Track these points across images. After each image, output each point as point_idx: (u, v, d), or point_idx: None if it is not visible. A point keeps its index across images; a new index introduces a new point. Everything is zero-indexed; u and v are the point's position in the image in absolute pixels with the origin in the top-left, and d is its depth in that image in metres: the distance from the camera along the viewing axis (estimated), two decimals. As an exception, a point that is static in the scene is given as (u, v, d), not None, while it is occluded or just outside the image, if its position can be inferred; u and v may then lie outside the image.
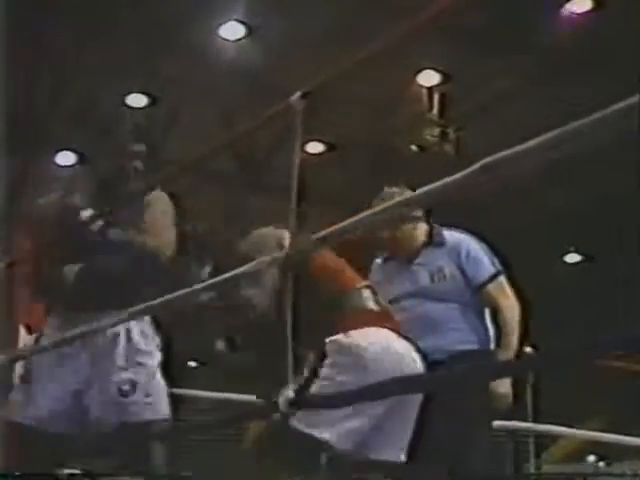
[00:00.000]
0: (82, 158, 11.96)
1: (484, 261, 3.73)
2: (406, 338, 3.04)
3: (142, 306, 2.62)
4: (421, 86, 10.72)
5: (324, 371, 2.90)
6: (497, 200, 9.85)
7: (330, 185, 11.54)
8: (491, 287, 3.68)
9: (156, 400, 3.30)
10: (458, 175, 1.53)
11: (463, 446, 3.47)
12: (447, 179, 1.57)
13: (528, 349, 5.24)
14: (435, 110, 10.79)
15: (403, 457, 2.99)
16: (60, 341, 3.00)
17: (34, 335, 3.51)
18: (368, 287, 3.11)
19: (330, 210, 11.16)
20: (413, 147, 11.02)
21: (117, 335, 3.32)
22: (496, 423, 4.28)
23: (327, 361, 2.91)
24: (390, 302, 3.49)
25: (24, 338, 3.60)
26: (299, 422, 2.80)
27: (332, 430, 2.80)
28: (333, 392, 2.87)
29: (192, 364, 15.23)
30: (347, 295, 3.01)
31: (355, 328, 2.93)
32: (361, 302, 3.01)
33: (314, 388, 2.85)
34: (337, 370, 2.87)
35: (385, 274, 3.79)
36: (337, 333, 2.93)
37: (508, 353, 3.51)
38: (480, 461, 3.52)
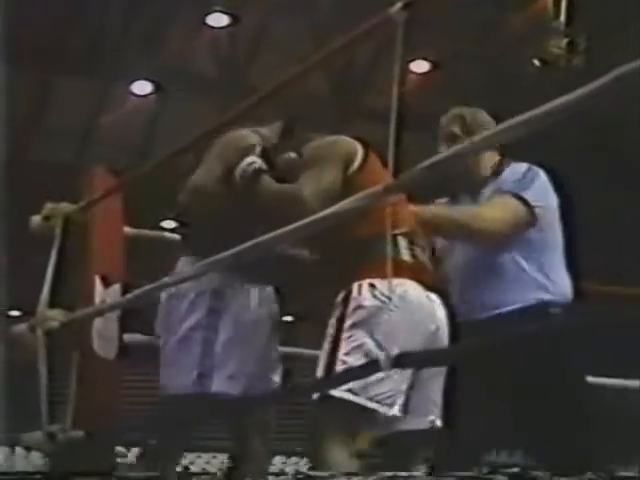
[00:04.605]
0: (158, 87, 12.13)
1: (510, 178, 3.45)
2: (441, 293, 3.02)
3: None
4: (544, -11, 10.42)
5: (348, 323, 2.91)
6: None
7: (437, 109, 11.37)
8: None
9: None
10: (584, 89, 1.48)
11: None
12: (570, 94, 1.51)
13: None
14: (562, 17, 10.49)
15: (438, 422, 2.97)
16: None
17: (115, 287, 3.60)
18: (406, 234, 3.00)
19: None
20: (535, 61, 10.75)
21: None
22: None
23: (350, 308, 2.91)
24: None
25: (100, 291, 3.68)
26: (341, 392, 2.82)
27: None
28: (433, 349, 2.89)
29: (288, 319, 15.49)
30: (378, 241, 2.92)
31: (381, 277, 2.84)
32: (393, 251, 2.85)
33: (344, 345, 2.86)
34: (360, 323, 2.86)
35: None
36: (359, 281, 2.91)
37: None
38: None
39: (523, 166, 3.54)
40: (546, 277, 3.45)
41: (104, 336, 3.56)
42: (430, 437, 3.03)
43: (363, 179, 2.94)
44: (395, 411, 2.86)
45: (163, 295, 3.29)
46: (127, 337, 3.57)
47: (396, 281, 2.86)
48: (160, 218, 11.22)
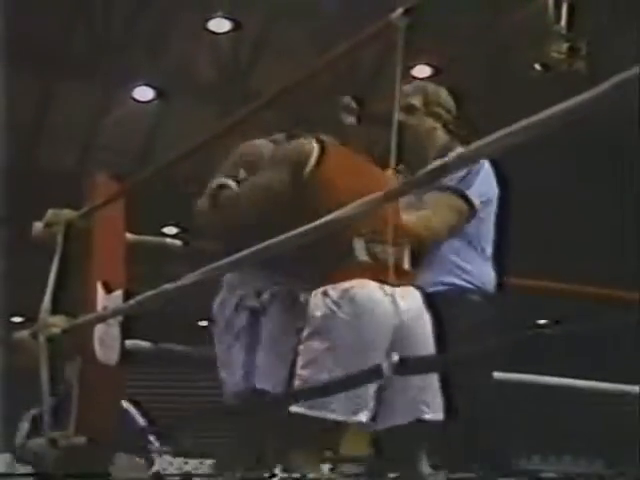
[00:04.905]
0: (160, 93, 12.14)
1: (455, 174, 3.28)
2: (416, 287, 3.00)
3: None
4: (546, -6, 10.42)
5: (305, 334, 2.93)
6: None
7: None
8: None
9: None
10: (583, 96, 1.48)
11: None
12: (569, 101, 1.52)
13: None
14: (563, 22, 10.47)
15: (426, 415, 2.92)
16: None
17: (116, 293, 3.59)
18: (364, 235, 2.96)
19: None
20: (537, 66, 10.74)
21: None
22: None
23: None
24: None
25: (102, 298, 3.67)
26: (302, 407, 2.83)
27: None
28: (432, 355, 2.88)
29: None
30: (335, 247, 2.92)
31: (335, 284, 2.89)
32: (351, 256, 2.92)
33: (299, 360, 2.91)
34: (315, 334, 2.89)
35: None
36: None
37: None
38: None
39: None
40: (468, 265, 3.41)
41: (106, 342, 3.56)
42: (421, 432, 2.99)
43: (321, 177, 3.00)
44: (361, 418, 2.86)
45: (216, 302, 3.35)
46: (129, 343, 3.58)
47: (348, 284, 2.89)
48: (162, 224, 11.27)
